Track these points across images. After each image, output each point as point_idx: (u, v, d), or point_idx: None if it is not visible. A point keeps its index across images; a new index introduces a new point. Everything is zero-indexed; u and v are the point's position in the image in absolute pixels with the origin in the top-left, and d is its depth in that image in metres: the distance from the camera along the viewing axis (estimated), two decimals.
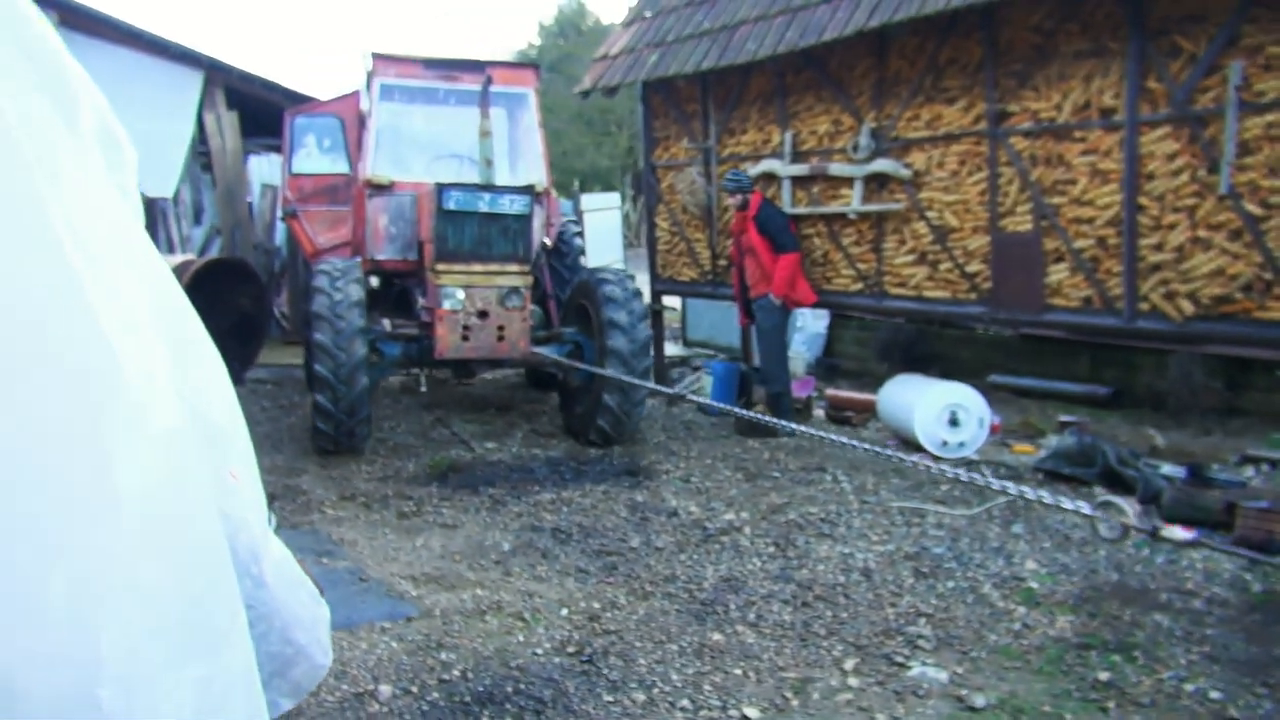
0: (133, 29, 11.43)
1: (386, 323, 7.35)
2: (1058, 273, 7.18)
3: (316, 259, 8.16)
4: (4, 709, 1.42)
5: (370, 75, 7.86)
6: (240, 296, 9.71)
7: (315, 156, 8.69)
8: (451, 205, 6.49)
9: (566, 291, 8.24)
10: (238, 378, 9.18)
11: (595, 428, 7.02)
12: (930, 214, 8.00)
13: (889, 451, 3.72)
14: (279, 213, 8.73)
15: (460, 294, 6.55)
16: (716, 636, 3.91)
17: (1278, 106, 5.88)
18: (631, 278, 7.57)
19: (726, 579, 4.51)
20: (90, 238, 1.52)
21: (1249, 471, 6.18)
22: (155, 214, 11.90)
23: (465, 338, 6.60)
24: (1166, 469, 5.95)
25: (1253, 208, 5.95)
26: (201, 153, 12.95)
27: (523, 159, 8.47)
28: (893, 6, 7.53)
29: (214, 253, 12.68)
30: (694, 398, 6.04)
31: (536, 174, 8.05)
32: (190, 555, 1.65)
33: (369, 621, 4.02)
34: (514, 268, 6.72)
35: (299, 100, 11.83)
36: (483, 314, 6.62)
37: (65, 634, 1.44)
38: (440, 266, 6.61)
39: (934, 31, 7.74)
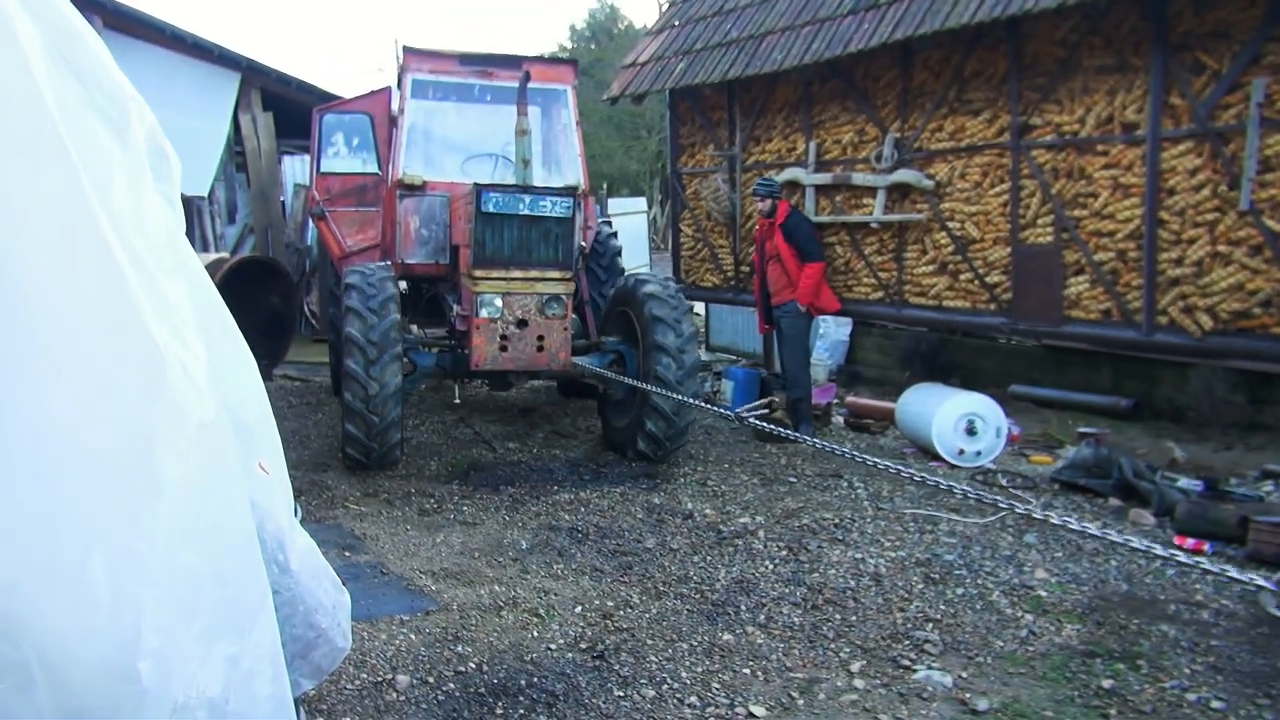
0: (176, 31, 11.71)
1: (416, 330, 7.11)
2: (1077, 285, 7.21)
3: (345, 261, 7.88)
4: (52, 679, 1.54)
5: (402, 71, 7.64)
6: (271, 294, 9.94)
7: (344, 156, 8.46)
8: (490, 208, 6.10)
9: (604, 296, 7.96)
10: (266, 374, 9.38)
11: (638, 444, 6.70)
12: (952, 224, 8.06)
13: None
14: (312, 211, 8.35)
15: (498, 301, 6.21)
16: (726, 637, 3.99)
17: None
18: (675, 282, 7.21)
19: (738, 581, 4.60)
20: (138, 245, 1.65)
21: (1268, 486, 6.17)
22: (190, 212, 12.15)
23: (503, 348, 6.25)
24: (1183, 482, 5.96)
25: (1273, 224, 5.96)
26: (236, 152, 13.23)
27: (560, 159, 8.16)
28: (917, 20, 7.60)
29: (246, 251, 12.95)
30: (753, 420, 5.60)
31: (573, 175, 7.81)
32: (222, 541, 1.77)
33: (389, 614, 4.15)
34: (555, 274, 6.32)
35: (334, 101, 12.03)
36: (522, 323, 6.26)
37: (109, 610, 1.57)
38: (478, 273, 6.21)
39: (959, 44, 7.80)
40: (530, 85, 6.78)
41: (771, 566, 4.80)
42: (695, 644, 3.92)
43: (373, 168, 8.21)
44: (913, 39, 7.65)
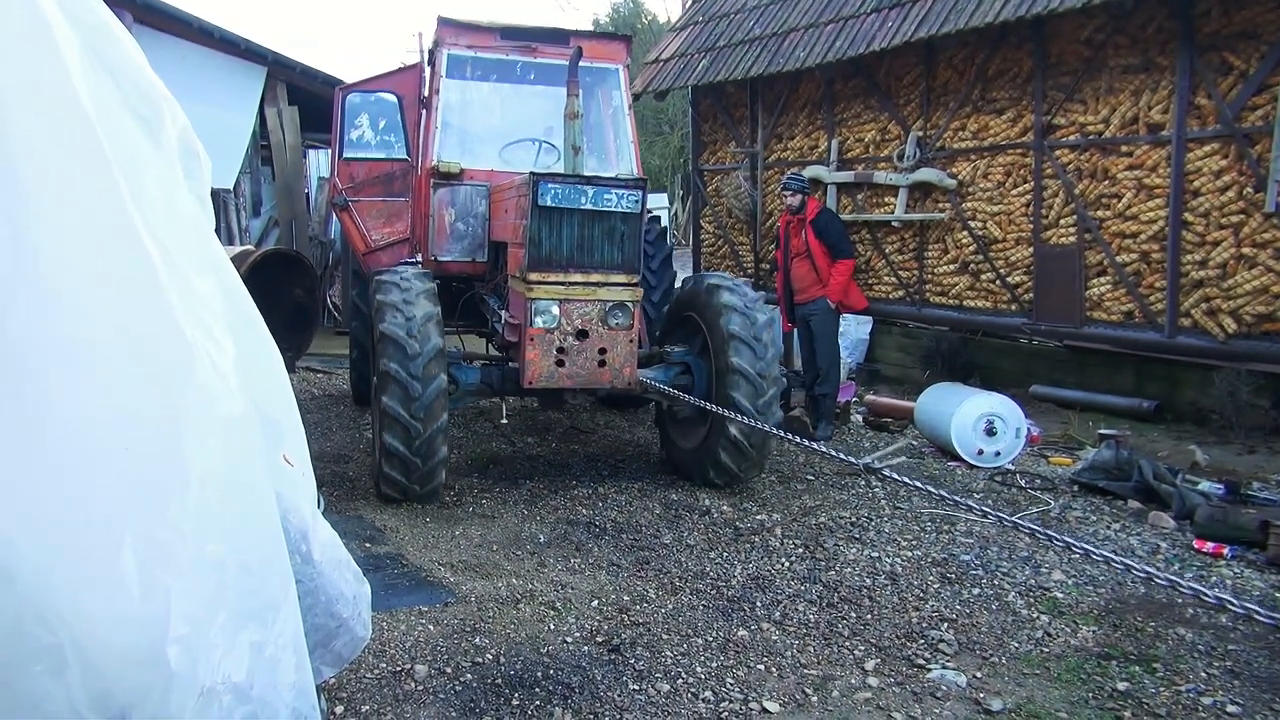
0: (204, 25, 11.81)
1: (457, 341, 6.56)
2: (1100, 286, 7.17)
3: (370, 257, 7.34)
4: (84, 663, 1.59)
5: (435, 45, 6.88)
6: (294, 287, 10.04)
7: (370, 140, 7.69)
8: (549, 201, 5.36)
9: (654, 303, 7.43)
10: (290, 366, 9.50)
11: (708, 474, 5.95)
12: (974, 224, 8.03)
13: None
14: (334, 201, 7.65)
15: (555, 309, 5.47)
16: (742, 633, 4.02)
17: None
18: (749, 283, 6.47)
19: (754, 577, 4.62)
20: (170, 242, 1.70)
21: None
22: (216, 205, 12.30)
23: (560, 363, 5.51)
24: (1204, 485, 5.93)
25: None
26: (262, 146, 13.36)
27: (610, 147, 7.39)
28: (941, 18, 7.57)
29: (271, 244, 13.07)
30: (889, 472, 4.11)
31: (626, 164, 7.14)
32: (249, 531, 1.82)
33: (408, 605, 4.21)
34: (621, 278, 5.57)
35: None
36: (581, 334, 5.53)
37: (138, 597, 1.62)
38: (532, 276, 5.44)
39: (983, 43, 7.77)
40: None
41: (788, 564, 4.82)
42: (710, 639, 3.95)
43: (401, 154, 7.51)
44: (936, 38, 7.63)
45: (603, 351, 5.59)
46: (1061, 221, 7.43)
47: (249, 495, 1.82)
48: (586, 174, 5.72)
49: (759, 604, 4.31)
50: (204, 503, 1.70)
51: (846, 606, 4.30)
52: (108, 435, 1.60)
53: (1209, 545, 5.05)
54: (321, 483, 5.98)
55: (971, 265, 8.21)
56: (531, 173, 5.45)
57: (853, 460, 4.15)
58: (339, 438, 7.36)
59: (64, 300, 1.57)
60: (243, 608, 1.76)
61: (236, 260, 9.45)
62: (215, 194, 11.97)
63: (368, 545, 4.97)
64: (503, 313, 6.07)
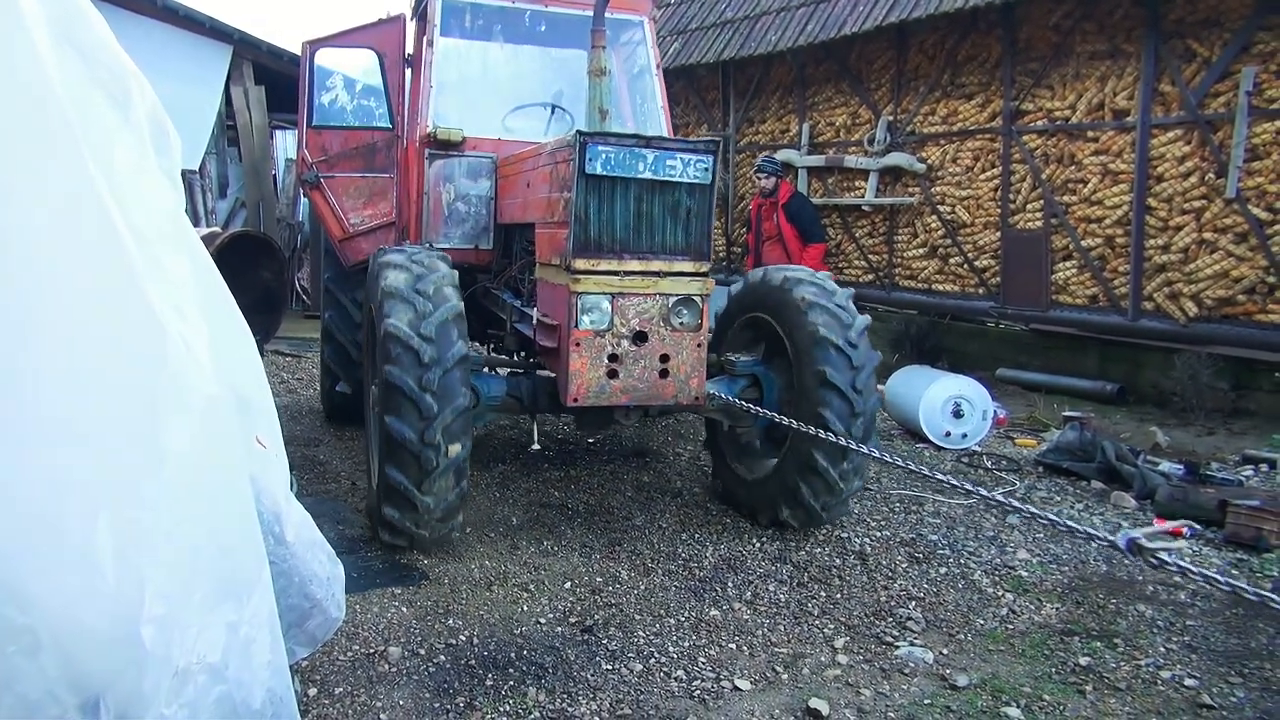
0: (168, 3, 11.62)
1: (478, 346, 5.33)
2: (1065, 270, 7.28)
3: (348, 245, 6.29)
4: (58, 643, 1.59)
5: None
6: (262, 270, 9.94)
7: (345, 106, 6.65)
8: (599, 168, 4.27)
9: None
10: (259, 350, 9.41)
11: (781, 512, 4.88)
12: (943, 208, 8.11)
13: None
14: (303, 177, 6.46)
15: (606, 305, 4.39)
16: (713, 612, 4.06)
17: None
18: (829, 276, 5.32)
19: (726, 558, 4.67)
20: (141, 221, 1.68)
21: (1248, 471, 6.27)
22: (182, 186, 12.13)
23: (613, 373, 4.43)
24: (1165, 466, 6.06)
25: (1259, 212, 6.04)
26: (228, 126, 13.17)
27: (636, 113, 6.35)
28: (912, 2, 7.61)
29: (238, 225, 12.91)
30: (1165, 557, 3.15)
31: (655, 132, 6.04)
32: (223, 512, 1.82)
33: (381, 588, 4.21)
34: (687, 266, 4.50)
35: None
36: (640, 336, 4.45)
37: (112, 577, 1.61)
38: (579, 263, 4.33)
39: (954, 28, 7.82)
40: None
41: (758, 544, 4.87)
42: (682, 619, 3.99)
43: (384, 122, 6.36)
44: (908, 22, 7.68)
45: (665, 359, 4.50)
46: (1029, 206, 7.52)
47: (223, 476, 1.81)
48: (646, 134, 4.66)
49: (730, 584, 4.36)
50: (178, 484, 1.69)
51: (816, 586, 4.36)
52: (81, 417, 1.59)
53: (1169, 524, 5.17)
54: (293, 466, 5.93)
55: (940, 249, 8.30)
56: (579, 132, 4.29)
57: (1107, 537, 2.90)
58: (309, 421, 7.31)
59: (35, 281, 1.55)
60: (217, 588, 1.76)
61: (204, 242, 9.34)
62: (181, 175, 11.86)
63: (340, 528, 4.95)
64: (529, 311, 4.96)
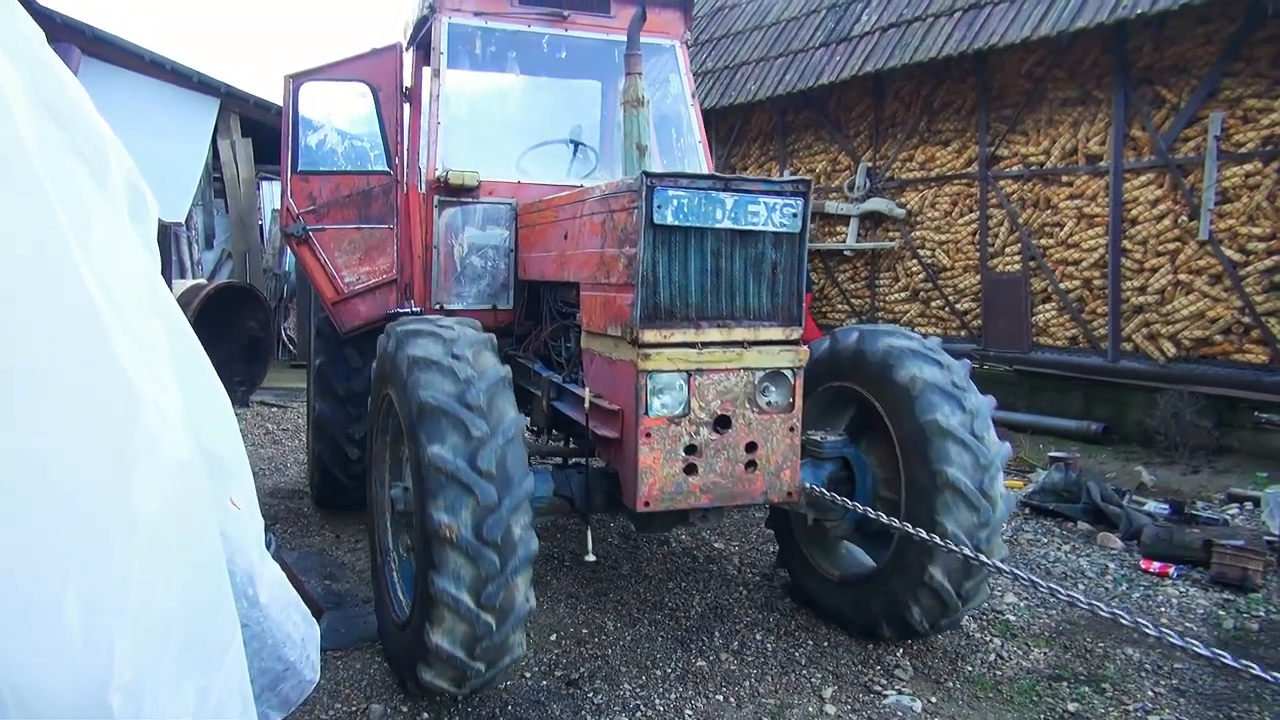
0: (155, 57, 11.75)
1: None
2: (1045, 312, 7.35)
3: (342, 308, 5.41)
4: (24, 710, 1.57)
5: (431, 12, 5.15)
6: (248, 320, 9.94)
7: (336, 147, 5.82)
8: (670, 217, 3.54)
9: None
10: (244, 400, 9.37)
11: (896, 619, 4.04)
12: (923, 252, 8.20)
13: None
14: (287, 230, 5.57)
15: (681, 384, 3.61)
16: (700, 663, 4.03)
17: (1255, 157, 6.06)
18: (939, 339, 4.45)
19: (713, 607, 4.64)
20: (115, 287, 1.69)
21: (1233, 509, 6.29)
22: (168, 238, 12.18)
23: (690, 469, 3.63)
24: (1151, 506, 6.08)
25: (1232, 253, 6.13)
26: (215, 178, 13.26)
27: (671, 149, 5.61)
28: (887, 53, 7.77)
29: (224, 276, 12.94)
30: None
31: (695, 169, 5.32)
32: (194, 576, 1.81)
33: (365, 643, 4.16)
34: (777, 332, 3.76)
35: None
36: (722, 422, 3.67)
37: (81, 643, 1.59)
38: (649, 334, 3.55)
39: (929, 76, 7.98)
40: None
41: (745, 592, 4.84)
42: (669, 670, 3.95)
43: (381, 164, 5.54)
44: (883, 71, 7.82)
45: (752, 447, 3.72)
46: (1007, 249, 7.62)
47: (194, 540, 1.81)
48: (723, 174, 3.95)
49: (717, 633, 4.32)
50: (149, 548, 1.68)
51: (803, 634, 4.33)
52: (51, 481, 1.58)
53: (1155, 565, 5.17)
54: (276, 519, 5.92)
55: (921, 292, 8.37)
56: (645, 173, 3.53)
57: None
58: (293, 473, 7.26)
59: (7, 345, 1.56)
60: (188, 653, 1.75)
61: (189, 294, 9.35)
62: (167, 228, 11.90)
63: (327, 582, 4.90)
64: (574, 389, 4.21)
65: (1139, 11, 6.14)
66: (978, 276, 7.84)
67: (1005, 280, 7.63)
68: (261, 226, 13.89)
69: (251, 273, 13.18)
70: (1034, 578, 2.92)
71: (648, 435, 3.56)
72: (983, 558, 3.15)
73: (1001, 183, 7.58)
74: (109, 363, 1.64)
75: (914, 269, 8.38)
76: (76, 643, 1.60)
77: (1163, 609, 4.68)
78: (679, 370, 3.60)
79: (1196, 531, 5.39)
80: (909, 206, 8.32)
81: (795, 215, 3.67)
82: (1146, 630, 2.65)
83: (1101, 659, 4.08)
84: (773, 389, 3.75)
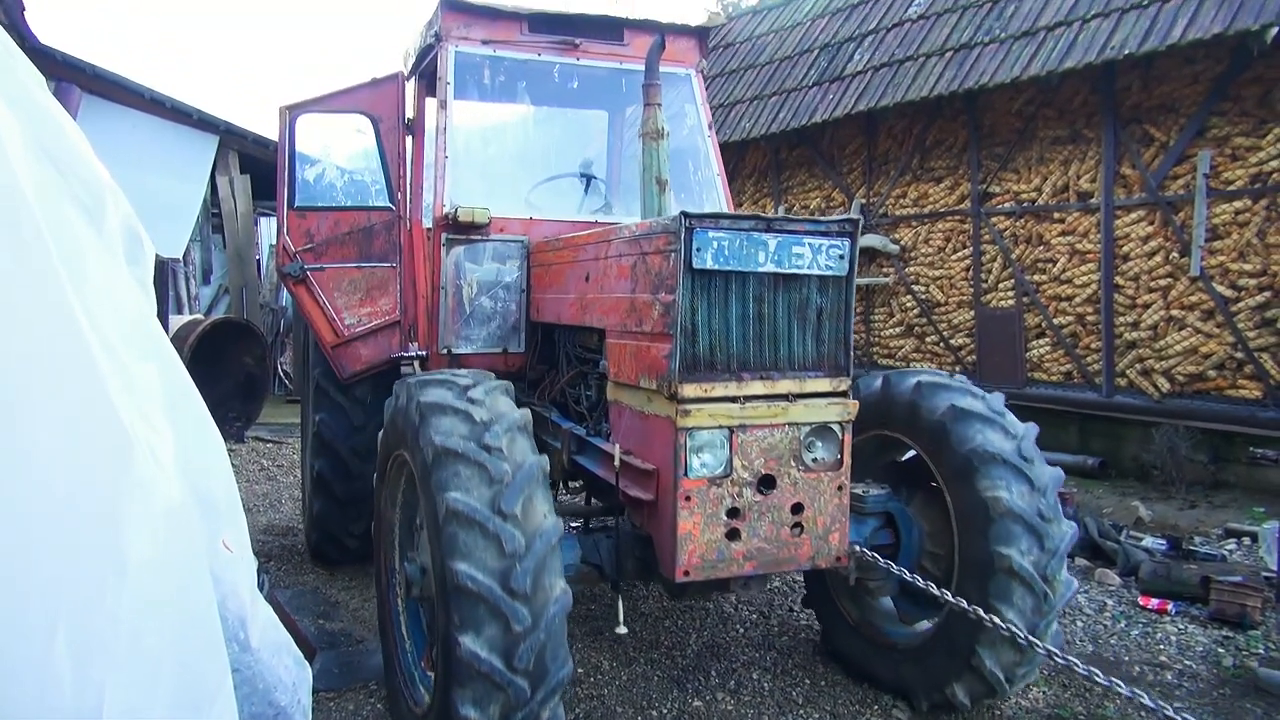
0: (155, 95, 11.85)
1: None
2: (1039, 348, 7.38)
3: (343, 351, 5.17)
4: None
5: (437, 40, 4.88)
6: (245, 355, 9.95)
7: (335, 182, 5.59)
8: (710, 260, 3.28)
9: None
10: (239, 435, 9.35)
11: (939, 697, 3.80)
12: (917, 288, 8.25)
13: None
14: (283, 270, 5.32)
15: (722, 442, 3.33)
16: (696, 703, 3.99)
17: (1244, 194, 6.12)
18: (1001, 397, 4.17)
19: (709, 645, 4.60)
20: (110, 331, 1.70)
21: (1231, 545, 6.27)
22: (165, 274, 12.21)
23: (733, 534, 3.35)
24: (1148, 541, 6.06)
25: (1223, 289, 6.18)
26: (213, 214, 13.33)
27: (688, 184, 5.29)
28: (880, 91, 7.87)
29: (221, 312, 12.97)
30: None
31: (714, 205, 5.17)
32: (185, 621, 1.80)
33: (361, 681, 4.12)
34: (824, 384, 3.48)
35: None
36: (765, 482, 3.41)
37: (71, 691, 1.58)
38: (689, 389, 3.29)
39: (921, 115, 8.07)
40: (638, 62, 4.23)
41: (742, 631, 4.81)
42: (665, 711, 3.92)
43: (382, 200, 5.31)
44: (876, 110, 7.91)
45: (798, 509, 3.45)
46: (1000, 285, 7.66)
47: (187, 584, 1.80)
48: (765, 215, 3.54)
49: (714, 673, 4.29)
50: (141, 593, 1.67)
51: (800, 673, 4.30)
52: (43, 525, 1.58)
53: (1154, 601, 5.15)
54: (270, 556, 5.88)
55: (916, 328, 8.40)
56: (683, 213, 3.26)
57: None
58: (288, 509, 7.23)
59: (1, 390, 1.56)
60: (178, 700, 1.73)
61: (185, 329, 9.36)
62: (164, 263, 11.94)
63: (321, 621, 4.87)
64: (599, 443, 3.93)
65: (1126, 52, 6.23)
66: (972, 312, 7.88)
67: (999, 316, 7.66)
68: (259, 261, 13.96)
69: (248, 307, 13.21)
70: (1093, 670, 2.73)
71: (687, 499, 3.27)
72: (1043, 646, 2.94)
73: (994, 219, 7.64)
74: (102, 407, 1.64)
75: (908, 304, 8.42)
76: (65, 690, 1.59)
77: (1162, 646, 4.66)
78: (720, 427, 3.31)
79: (1194, 567, 5.37)
80: (903, 242, 8.38)
81: (842, 257, 3.41)
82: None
83: (1100, 698, 4.05)
84: (819, 445, 3.48)
